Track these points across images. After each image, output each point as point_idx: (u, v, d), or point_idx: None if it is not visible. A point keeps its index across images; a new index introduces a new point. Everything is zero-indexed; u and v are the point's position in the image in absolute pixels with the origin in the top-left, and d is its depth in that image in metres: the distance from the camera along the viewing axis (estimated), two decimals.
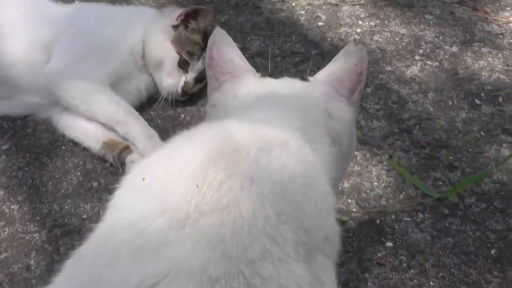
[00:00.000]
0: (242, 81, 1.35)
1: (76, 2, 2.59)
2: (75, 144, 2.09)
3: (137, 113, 2.03)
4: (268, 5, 2.66)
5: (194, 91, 2.22)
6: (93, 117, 2.02)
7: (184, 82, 2.15)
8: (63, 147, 2.09)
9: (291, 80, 1.39)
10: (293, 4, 2.68)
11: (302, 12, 2.64)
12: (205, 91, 2.12)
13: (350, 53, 1.37)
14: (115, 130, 2.00)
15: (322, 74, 1.40)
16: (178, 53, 2.15)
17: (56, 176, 1.99)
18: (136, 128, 1.97)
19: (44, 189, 1.95)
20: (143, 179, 0.98)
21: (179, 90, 2.14)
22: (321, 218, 1.04)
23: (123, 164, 1.96)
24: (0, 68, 2.09)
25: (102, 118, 2.00)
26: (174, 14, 2.21)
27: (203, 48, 2.16)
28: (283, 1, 2.69)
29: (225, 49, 1.37)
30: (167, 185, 0.96)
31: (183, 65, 2.15)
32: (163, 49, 2.16)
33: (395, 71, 2.36)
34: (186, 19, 2.19)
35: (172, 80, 2.13)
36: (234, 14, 2.62)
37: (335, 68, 1.39)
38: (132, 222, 0.92)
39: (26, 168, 2.02)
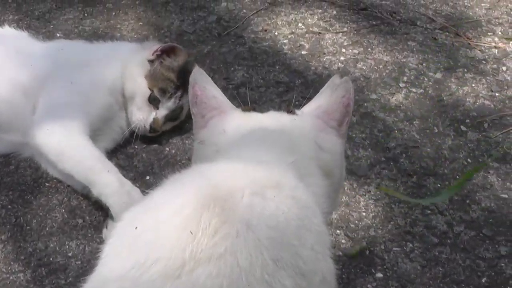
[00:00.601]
0: (228, 116, 1.34)
1: (58, 35, 2.57)
2: (59, 180, 2.05)
3: (115, 169, 1.94)
4: (251, 35, 2.66)
5: (165, 129, 2.20)
6: (69, 175, 1.95)
7: (153, 118, 2.11)
8: (47, 184, 2.05)
9: (278, 114, 1.39)
10: (276, 33, 2.68)
11: (285, 41, 2.64)
12: (189, 123, 2.11)
13: (336, 85, 1.37)
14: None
15: (309, 107, 1.40)
16: (150, 89, 2.12)
17: (40, 213, 1.96)
18: (107, 189, 1.88)
19: (28, 227, 1.91)
20: (136, 228, 0.96)
21: (147, 126, 2.11)
22: (318, 260, 1.02)
23: None
24: None
25: (78, 177, 1.93)
26: (152, 48, 2.19)
27: (177, 87, 2.15)
28: (265, 31, 2.68)
29: (207, 86, 1.37)
30: (160, 232, 0.94)
31: (153, 101, 2.12)
32: (136, 82, 2.13)
33: (380, 99, 2.36)
34: (161, 55, 2.17)
35: (141, 115, 2.11)
36: (217, 44, 2.61)
37: (322, 101, 1.38)
38: (124, 271, 0.89)
39: (9, 206, 1.98)
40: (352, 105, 1.37)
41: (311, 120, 1.34)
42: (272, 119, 1.35)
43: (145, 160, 2.13)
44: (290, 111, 1.40)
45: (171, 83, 2.14)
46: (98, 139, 2.06)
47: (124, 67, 2.16)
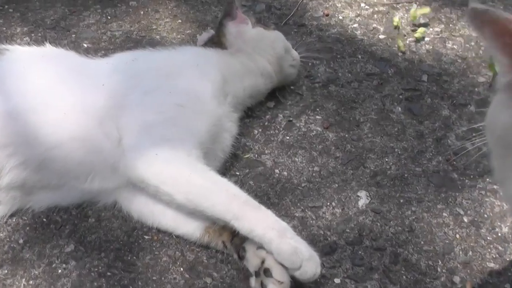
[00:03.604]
0: None
1: (84, 45, 2.09)
2: (160, 230, 1.61)
3: (254, 201, 1.52)
4: (312, 22, 2.27)
5: None
6: (196, 209, 1.51)
7: None
8: (145, 237, 1.61)
9: None
10: (340, 18, 2.30)
11: (355, 25, 2.26)
12: (288, 137, 1.71)
13: None
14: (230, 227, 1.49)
15: None
16: None
17: (154, 277, 1.52)
18: (261, 222, 1.46)
19: None
20: None
21: None
22: None
23: (239, 250, 1.51)
24: (38, 150, 1.56)
25: (212, 211, 1.49)
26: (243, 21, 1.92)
27: None
28: (327, 15, 2.30)
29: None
30: None
31: None
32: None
33: (490, 82, 2.02)
34: None
35: None
36: None
37: None
38: None
39: (108, 273, 1.53)
40: None
41: None
42: None
43: (255, 188, 1.72)
44: None
45: None
46: None
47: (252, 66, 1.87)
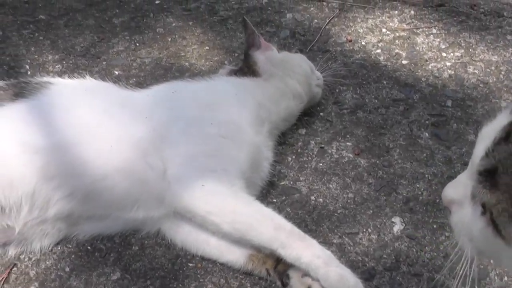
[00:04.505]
0: None
1: (116, 72, 2.14)
2: (203, 258, 1.65)
3: (299, 229, 1.59)
4: (336, 48, 2.32)
5: None
6: (243, 238, 1.58)
7: None
8: (190, 265, 1.66)
9: None
10: (363, 43, 2.35)
11: (378, 51, 2.32)
12: (324, 164, 1.77)
13: None
14: (276, 255, 1.56)
15: None
16: None
17: None
18: (307, 251, 1.53)
19: None
20: None
21: None
22: None
23: (283, 277, 1.56)
24: (85, 182, 1.61)
25: (258, 240, 1.56)
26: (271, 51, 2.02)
27: None
28: (350, 41, 2.35)
29: None
30: None
31: None
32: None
33: None
34: None
35: None
36: None
37: None
38: None
39: None
40: None
41: None
42: None
43: (293, 215, 1.77)
44: None
45: None
46: None
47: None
